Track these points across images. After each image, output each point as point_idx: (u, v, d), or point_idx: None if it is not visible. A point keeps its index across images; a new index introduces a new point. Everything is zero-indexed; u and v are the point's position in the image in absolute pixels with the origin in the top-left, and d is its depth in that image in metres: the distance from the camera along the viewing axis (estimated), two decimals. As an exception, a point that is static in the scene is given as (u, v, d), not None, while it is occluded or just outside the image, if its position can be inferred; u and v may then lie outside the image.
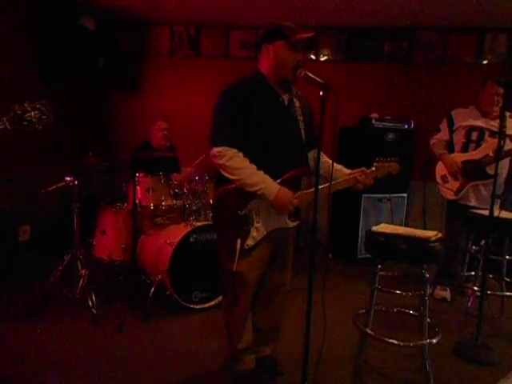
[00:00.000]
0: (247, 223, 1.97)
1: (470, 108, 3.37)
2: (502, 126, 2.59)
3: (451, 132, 3.38)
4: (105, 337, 2.63)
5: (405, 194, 4.43)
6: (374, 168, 2.12)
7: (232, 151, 1.92)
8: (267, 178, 1.95)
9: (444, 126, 3.43)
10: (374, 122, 4.22)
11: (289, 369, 2.29)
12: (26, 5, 3.87)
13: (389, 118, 4.32)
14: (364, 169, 2.10)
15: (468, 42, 4.56)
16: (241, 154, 1.94)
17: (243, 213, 1.96)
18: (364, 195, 4.24)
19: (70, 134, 4.29)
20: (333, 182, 1.97)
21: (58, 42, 4.07)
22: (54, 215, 4.19)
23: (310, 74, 1.92)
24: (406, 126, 4.36)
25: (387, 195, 4.29)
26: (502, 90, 3.08)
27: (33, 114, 1.77)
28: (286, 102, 2.07)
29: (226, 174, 1.94)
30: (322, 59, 4.85)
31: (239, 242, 1.95)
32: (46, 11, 4.03)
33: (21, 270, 3.63)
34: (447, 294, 3.40)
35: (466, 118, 3.31)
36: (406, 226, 4.35)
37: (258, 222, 1.98)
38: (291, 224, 2.09)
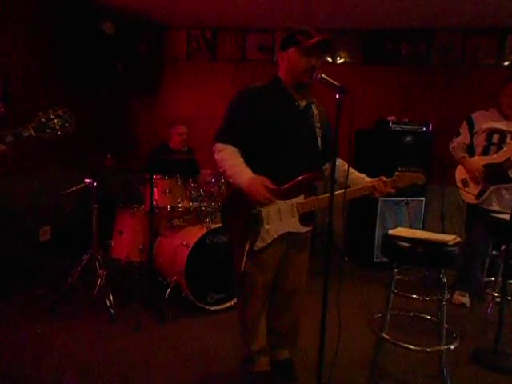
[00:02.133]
0: (257, 224, 1.96)
1: (491, 110, 3.31)
2: None
3: (471, 135, 3.33)
4: (122, 336, 2.67)
5: (422, 198, 4.36)
6: (394, 177, 2.08)
7: (224, 146, 1.98)
8: (244, 168, 1.94)
9: (464, 129, 3.38)
10: (391, 124, 4.18)
11: (303, 373, 2.28)
12: (47, 11, 3.97)
13: (406, 120, 4.27)
14: (383, 177, 2.07)
15: (488, 43, 4.48)
16: (231, 149, 1.97)
17: (254, 212, 1.95)
18: (381, 198, 4.19)
19: (89, 137, 4.37)
20: (348, 189, 1.95)
21: (78, 47, 4.16)
22: (74, 216, 4.28)
23: (325, 77, 1.93)
24: (424, 129, 4.29)
25: (404, 199, 4.24)
26: None
27: (56, 121, 1.82)
28: (302, 107, 2.08)
29: (218, 167, 1.99)
30: (339, 62, 4.83)
31: (248, 242, 1.95)
32: (66, 17, 4.13)
33: (41, 269, 3.72)
34: (466, 299, 3.33)
35: (487, 121, 3.26)
36: (423, 230, 4.29)
37: (267, 224, 1.97)
38: (303, 229, 2.05)
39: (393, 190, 2.08)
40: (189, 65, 5.11)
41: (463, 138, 3.37)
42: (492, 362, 2.46)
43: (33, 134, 1.79)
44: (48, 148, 3.93)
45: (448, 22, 4.33)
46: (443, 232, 3.76)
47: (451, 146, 3.43)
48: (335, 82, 1.91)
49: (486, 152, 3.25)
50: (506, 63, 4.47)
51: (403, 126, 4.23)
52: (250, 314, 2.12)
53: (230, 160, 1.96)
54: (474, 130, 3.31)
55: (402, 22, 4.38)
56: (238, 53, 4.99)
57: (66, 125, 1.85)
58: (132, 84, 5.01)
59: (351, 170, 2.09)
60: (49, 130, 1.81)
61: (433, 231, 2.34)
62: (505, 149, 3.15)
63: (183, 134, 3.87)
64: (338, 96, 1.87)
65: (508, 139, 3.18)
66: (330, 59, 4.82)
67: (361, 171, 2.19)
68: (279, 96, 2.03)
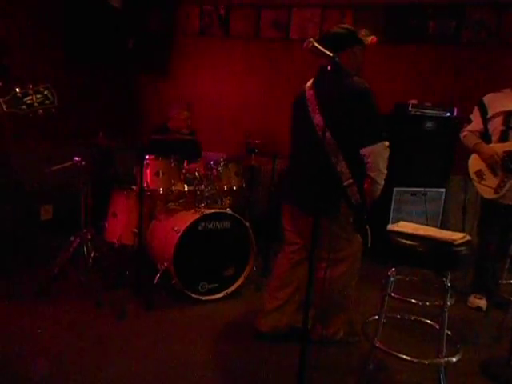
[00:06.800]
0: None
1: (505, 91, 2.94)
2: None
3: (485, 121, 2.96)
4: (106, 322, 2.55)
5: (442, 189, 4.01)
6: None
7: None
8: None
9: (476, 115, 3.02)
10: (410, 108, 3.83)
11: (286, 374, 2.09)
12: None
13: (429, 104, 3.91)
14: None
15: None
16: None
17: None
18: (396, 188, 3.89)
19: (96, 116, 4.26)
20: None
21: (83, 20, 4.01)
22: (76, 195, 4.19)
23: (317, 45, 1.71)
24: (448, 114, 3.92)
25: (422, 189, 3.91)
26: None
27: (34, 97, 1.69)
28: None
29: (380, 167, 2.10)
30: (359, 40, 4.49)
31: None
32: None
33: (40, 249, 3.65)
34: (483, 302, 3.03)
35: (503, 103, 2.89)
36: (442, 224, 3.97)
37: None
38: None
39: None
40: (201, 41, 4.89)
41: (475, 124, 3.01)
42: (503, 376, 2.19)
43: (4, 109, 1.67)
44: (52, 125, 3.83)
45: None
46: (463, 227, 3.46)
47: (462, 134, 3.08)
48: (328, 52, 1.70)
49: (504, 138, 2.87)
50: (546, 42, 4.02)
51: (424, 111, 3.86)
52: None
53: None
54: (488, 115, 2.94)
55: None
56: (251, 30, 4.71)
57: (47, 102, 1.72)
58: (142, 61, 4.85)
59: None
60: (24, 107, 1.68)
61: (453, 226, 2.09)
62: None
63: (187, 118, 3.72)
64: (329, 67, 1.66)
65: None
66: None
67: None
68: None
